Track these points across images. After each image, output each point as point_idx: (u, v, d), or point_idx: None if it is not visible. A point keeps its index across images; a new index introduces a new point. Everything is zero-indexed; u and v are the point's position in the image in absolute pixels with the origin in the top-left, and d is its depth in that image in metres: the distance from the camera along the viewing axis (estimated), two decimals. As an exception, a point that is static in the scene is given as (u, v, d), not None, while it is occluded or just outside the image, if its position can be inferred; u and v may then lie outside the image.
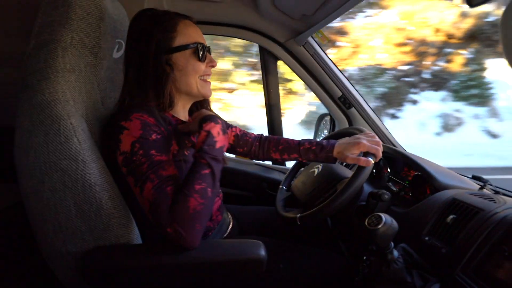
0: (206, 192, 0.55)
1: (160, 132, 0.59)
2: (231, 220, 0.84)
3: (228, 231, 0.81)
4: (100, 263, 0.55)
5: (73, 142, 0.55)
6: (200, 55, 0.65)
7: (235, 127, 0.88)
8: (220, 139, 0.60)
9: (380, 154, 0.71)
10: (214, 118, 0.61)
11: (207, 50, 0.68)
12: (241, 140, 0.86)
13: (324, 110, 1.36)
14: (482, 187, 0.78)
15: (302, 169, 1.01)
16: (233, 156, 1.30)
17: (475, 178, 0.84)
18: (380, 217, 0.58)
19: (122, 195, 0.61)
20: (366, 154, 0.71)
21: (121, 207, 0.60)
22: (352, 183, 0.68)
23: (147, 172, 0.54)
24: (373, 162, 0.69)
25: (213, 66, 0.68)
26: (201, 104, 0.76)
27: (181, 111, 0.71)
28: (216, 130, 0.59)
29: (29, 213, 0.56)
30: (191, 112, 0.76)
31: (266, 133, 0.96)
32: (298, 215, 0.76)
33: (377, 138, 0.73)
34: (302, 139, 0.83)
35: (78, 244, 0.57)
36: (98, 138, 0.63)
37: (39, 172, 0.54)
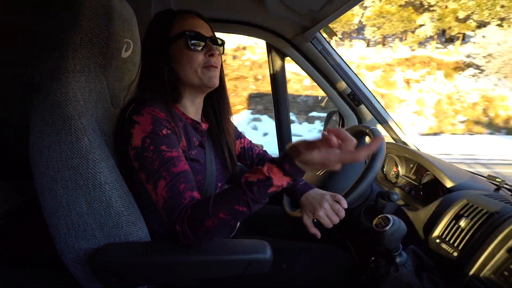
0: (227, 222, 0.53)
1: (170, 128, 0.59)
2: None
3: (234, 232, 0.81)
4: (110, 260, 0.57)
5: (84, 141, 0.56)
6: (191, 44, 0.63)
7: (244, 138, 0.89)
8: (277, 188, 0.52)
9: (330, 226, 0.68)
10: (294, 172, 0.50)
11: (208, 40, 0.65)
12: (246, 154, 0.88)
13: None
14: (498, 188, 0.75)
15: None
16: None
17: (490, 178, 0.81)
18: (388, 219, 0.56)
19: (131, 193, 0.63)
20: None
21: (130, 205, 0.61)
22: None
23: (159, 170, 0.55)
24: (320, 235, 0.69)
25: (212, 56, 0.65)
26: (216, 96, 0.74)
27: (190, 107, 0.70)
28: (280, 182, 0.51)
29: (44, 209, 0.58)
30: (206, 114, 0.75)
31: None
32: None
33: (341, 212, 0.67)
34: None
35: (89, 240, 0.58)
36: (109, 137, 0.65)
37: (52, 170, 0.56)
